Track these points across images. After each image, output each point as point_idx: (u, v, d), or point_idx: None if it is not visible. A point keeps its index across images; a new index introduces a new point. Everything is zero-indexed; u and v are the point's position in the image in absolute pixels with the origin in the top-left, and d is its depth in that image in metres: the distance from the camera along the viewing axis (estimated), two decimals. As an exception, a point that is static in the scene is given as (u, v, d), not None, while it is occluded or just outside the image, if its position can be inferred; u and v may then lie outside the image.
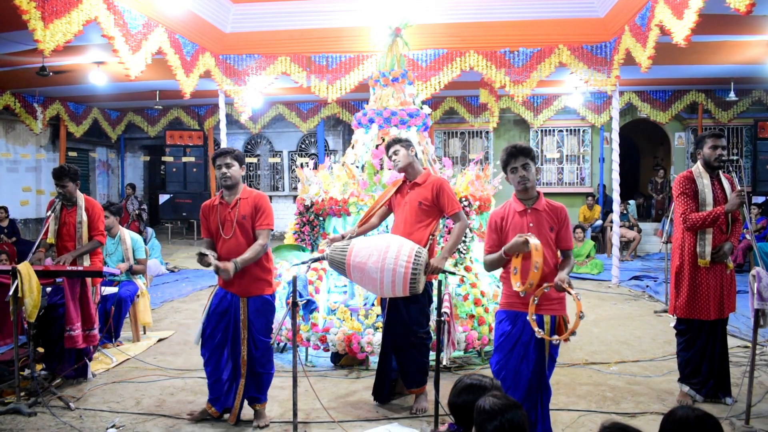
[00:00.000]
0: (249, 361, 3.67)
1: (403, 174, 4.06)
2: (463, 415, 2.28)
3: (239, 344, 3.68)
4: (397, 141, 4.00)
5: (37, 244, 4.53)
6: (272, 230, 3.72)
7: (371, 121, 5.46)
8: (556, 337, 3.02)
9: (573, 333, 2.98)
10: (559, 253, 3.20)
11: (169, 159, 14.41)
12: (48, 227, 4.57)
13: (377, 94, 5.60)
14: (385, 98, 5.52)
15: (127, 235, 5.75)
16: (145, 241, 6.04)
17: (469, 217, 5.33)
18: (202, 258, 3.50)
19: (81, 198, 4.68)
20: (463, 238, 5.30)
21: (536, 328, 2.94)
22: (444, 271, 3.82)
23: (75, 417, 3.88)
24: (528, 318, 2.97)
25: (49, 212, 4.57)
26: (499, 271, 3.37)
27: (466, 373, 3.19)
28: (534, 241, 2.94)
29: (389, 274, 3.55)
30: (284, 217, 14.59)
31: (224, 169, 3.66)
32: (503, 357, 3.12)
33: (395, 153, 3.96)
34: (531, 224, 3.10)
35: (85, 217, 4.61)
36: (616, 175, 8.71)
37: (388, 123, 5.39)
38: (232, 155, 3.69)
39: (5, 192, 11.75)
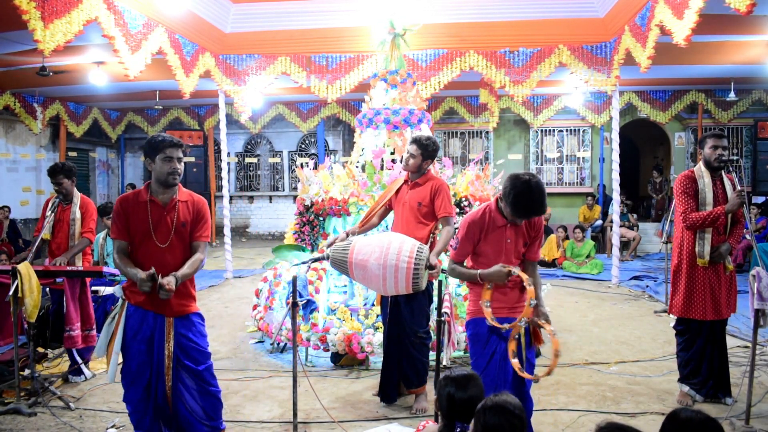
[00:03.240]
0: (193, 379, 3.03)
1: (404, 173, 4.07)
2: (470, 409, 2.28)
3: (161, 376, 2.97)
4: (421, 146, 3.89)
5: (36, 244, 4.54)
6: (209, 243, 3.23)
7: (387, 121, 5.40)
8: (535, 375, 2.88)
9: (549, 374, 2.81)
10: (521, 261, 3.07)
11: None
12: (40, 224, 4.62)
13: (390, 94, 5.58)
14: (401, 98, 5.52)
15: None
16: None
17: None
18: (145, 283, 2.80)
19: (77, 196, 4.74)
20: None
21: (516, 364, 2.80)
22: (444, 271, 3.82)
23: (75, 417, 3.88)
24: (509, 356, 2.83)
25: (50, 212, 4.58)
26: None
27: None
28: (524, 275, 2.86)
29: (392, 270, 3.54)
30: (284, 217, 14.62)
31: (175, 164, 3.00)
32: (481, 372, 2.92)
33: (412, 156, 3.92)
34: (509, 240, 2.97)
35: (78, 215, 4.67)
36: (616, 175, 8.71)
37: (407, 123, 5.38)
38: (183, 148, 3.08)
39: (5, 192, 11.75)
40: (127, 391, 3.03)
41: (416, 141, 3.92)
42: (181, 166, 3.03)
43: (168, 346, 2.98)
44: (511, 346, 2.83)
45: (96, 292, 5.33)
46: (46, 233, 4.58)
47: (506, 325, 2.86)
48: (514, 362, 2.81)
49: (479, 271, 2.96)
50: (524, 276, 2.90)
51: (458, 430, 2.30)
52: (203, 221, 3.10)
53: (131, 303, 3.00)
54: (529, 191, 2.76)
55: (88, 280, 4.82)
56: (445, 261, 3.97)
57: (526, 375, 2.83)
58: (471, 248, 3.04)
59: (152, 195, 3.02)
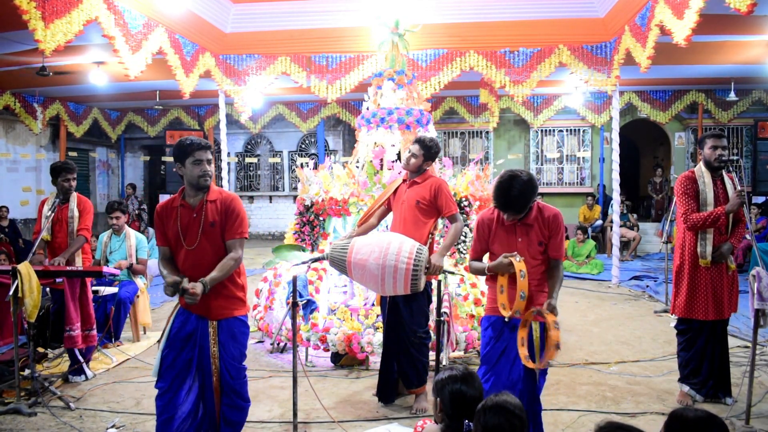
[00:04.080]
0: (224, 390, 3.10)
1: (403, 173, 4.07)
2: (466, 406, 2.27)
3: (208, 376, 3.06)
4: (424, 146, 3.90)
5: (36, 244, 4.54)
6: (247, 239, 3.13)
7: (400, 121, 5.39)
8: (534, 364, 2.85)
9: (546, 364, 2.82)
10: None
11: (169, 159, 14.37)
12: (39, 225, 4.62)
13: (398, 94, 5.58)
14: (409, 98, 5.53)
15: (133, 234, 5.78)
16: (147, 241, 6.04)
17: (469, 217, 5.34)
18: (167, 288, 2.85)
19: (74, 194, 4.75)
20: (463, 238, 5.31)
21: (524, 353, 2.79)
22: (444, 271, 3.82)
23: (75, 417, 3.88)
24: (518, 345, 2.82)
25: (50, 212, 4.58)
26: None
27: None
28: (520, 266, 2.83)
29: (390, 271, 3.54)
30: (284, 217, 14.61)
31: (205, 166, 3.01)
32: (490, 368, 2.97)
33: (414, 156, 3.92)
34: (520, 239, 2.93)
35: (76, 213, 4.67)
36: (616, 175, 8.72)
37: (419, 123, 5.39)
38: (211, 150, 3.08)
39: (5, 192, 11.74)
40: (157, 380, 3.06)
41: (419, 141, 3.92)
42: (211, 168, 3.04)
43: (214, 348, 3.04)
44: (521, 333, 2.83)
45: (96, 292, 5.34)
46: (45, 234, 4.58)
47: (508, 314, 2.87)
48: (522, 352, 2.80)
49: (487, 264, 3.00)
50: (519, 268, 2.85)
51: (465, 429, 2.29)
52: (234, 218, 3.03)
53: (181, 305, 3.06)
54: (509, 185, 2.81)
55: (89, 280, 4.81)
56: (446, 262, 3.96)
57: (531, 364, 2.81)
58: (483, 246, 3.08)
59: (184, 199, 3.05)
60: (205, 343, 3.03)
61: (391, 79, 5.57)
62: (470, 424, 2.24)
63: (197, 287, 2.83)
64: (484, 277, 3.17)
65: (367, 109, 5.64)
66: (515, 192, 2.80)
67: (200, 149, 3.00)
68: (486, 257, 3.16)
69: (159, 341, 3.10)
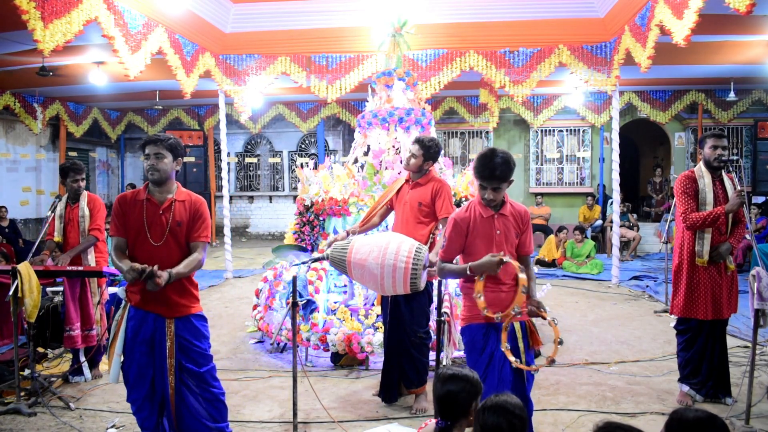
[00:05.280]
0: (195, 382, 3.02)
1: (405, 173, 4.07)
2: (448, 407, 2.26)
3: (164, 377, 2.97)
4: (423, 146, 3.90)
5: (36, 245, 4.53)
6: (209, 243, 3.09)
7: (418, 122, 5.37)
8: (534, 366, 2.85)
9: (553, 361, 2.79)
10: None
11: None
12: (52, 227, 4.60)
13: (407, 95, 5.58)
14: (417, 99, 5.56)
15: None
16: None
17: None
18: (131, 272, 2.78)
19: (84, 193, 4.73)
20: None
21: (512, 358, 2.74)
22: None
23: (75, 417, 3.88)
24: (502, 348, 2.75)
25: (50, 212, 4.57)
26: None
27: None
28: (515, 262, 2.80)
29: (389, 270, 3.54)
30: (284, 217, 14.62)
31: (152, 160, 2.98)
32: (480, 377, 2.80)
33: (413, 156, 3.92)
34: (498, 231, 2.91)
35: (87, 212, 4.65)
36: (616, 175, 8.72)
37: (430, 124, 5.40)
38: (165, 144, 3.01)
39: (5, 192, 11.75)
40: (130, 392, 3.02)
41: (419, 141, 3.93)
42: (160, 163, 3.00)
43: (170, 347, 2.97)
44: (504, 338, 2.76)
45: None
46: (57, 237, 4.59)
47: (499, 315, 2.79)
48: (510, 357, 2.75)
49: (470, 263, 2.88)
50: (515, 263, 2.82)
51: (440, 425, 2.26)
52: (200, 221, 3.06)
53: (132, 304, 2.99)
54: (492, 153, 2.83)
55: (102, 281, 4.78)
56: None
57: (524, 366, 2.78)
58: (460, 245, 2.98)
59: (149, 194, 3.04)
60: (163, 341, 2.97)
61: (402, 79, 5.59)
62: (443, 421, 2.24)
63: (163, 276, 2.81)
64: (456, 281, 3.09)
65: (371, 109, 5.62)
66: (498, 159, 2.81)
67: (148, 144, 3.02)
68: (457, 260, 3.06)
69: (109, 342, 3.05)
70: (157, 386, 2.98)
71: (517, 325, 2.87)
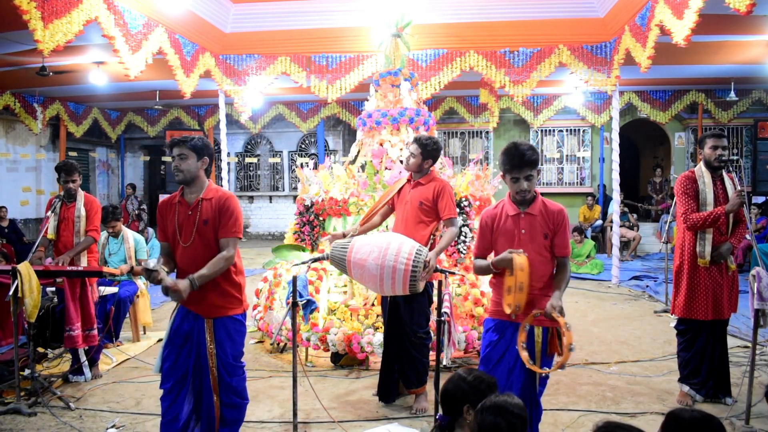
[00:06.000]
0: (222, 389, 3.06)
1: (406, 173, 4.08)
2: (451, 402, 2.26)
3: (205, 375, 3.03)
4: (421, 145, 3.90)
5: (37, 243, 4.54)
6: (240, 239, 3.09)
7: (425, 123, 5.39)
8: (546, 369, 2.79)
9: (562, 366, 2.74)
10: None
11: (169, 159, 14.41)
12: (48, 225, 4.60)
13: (413, 96, 5.59)
14: (420, 99, 5.60)
15: (130, 235, 5.76)
16: (146, 241, 6.04)
17: (470, 217, 5.34)
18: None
19: (81, 193, 4.72)
20: (464, 238, 5.31)
21: (525, 355, 2.72)
22: (444, 271, 3.81)
23: (75, 417, 3.88)
24: (518, 348, 2.73)
25: (50, 212, 4.58)
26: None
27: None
28: (520, 260, 2.74)
29: (389, 271, 3.54)
30: (284, 217, 14.62)
31: (176, 162, 3.05)
32: (489, 370, 2.85)
33: (412, 155, 3.92)
34: (523, 231, 2.85)
35: (83, 212, 4.64)
36: (616, 175, 8.72)
37: (428, 124, 5.42)
38: (188, 145, 3.06)
39: (5, 192, 11.75)
40: (161, 381, 3.07)
41: (417, 140, 3.93)
42: (184, 164, 3.04)
43: (210, 346, 3.01)
44: (521, 337, 2.75)
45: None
46: (51, 233, 4.58)
47: (517, 306, 2.75)
48: (524, 355, 2.73)
49: (492, 259, 2.90)
50: (520, 260, 2.76)
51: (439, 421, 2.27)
52: (228, 217, 3.03)
53: (181, 303, 3.05)
54: (516, 143, 2.84)
55: (93, 279, 4.79)
56: (444, 261, 3.96)
57: (536, 368, 2.75)
58: (488, 242, 2.99)
59: (182, 196, 3.10)
60: (202, 341, 3.01)
61: (407, 79, 5.59)
62: (444, 416, 2.24)
63: (180, 284, 2.82)
64: (488, 278, 3.12)
65: (374, 108, 5.60)
66: (524, 146, 2.82)
67: (173, 145, 3.08)
68: (490, 256, 3.06)
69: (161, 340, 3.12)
70: (190, 380, 3.04)
71: (537, 330, 2.82)
